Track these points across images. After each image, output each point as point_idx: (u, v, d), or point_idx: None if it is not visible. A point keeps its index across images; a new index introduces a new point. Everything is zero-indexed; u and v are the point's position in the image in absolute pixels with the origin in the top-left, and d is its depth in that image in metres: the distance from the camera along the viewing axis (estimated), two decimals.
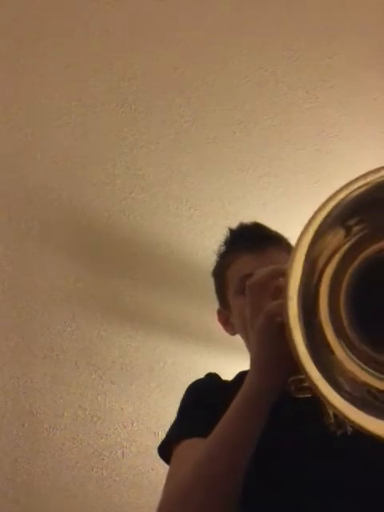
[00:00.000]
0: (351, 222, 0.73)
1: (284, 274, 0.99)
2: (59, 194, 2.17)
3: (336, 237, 0.74)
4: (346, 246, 0.74)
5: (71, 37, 1.93)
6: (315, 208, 0.70)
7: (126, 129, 2.08)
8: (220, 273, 1.33)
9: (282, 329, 0.88)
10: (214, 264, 1.37)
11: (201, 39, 1.96)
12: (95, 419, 2.55)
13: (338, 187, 0.70)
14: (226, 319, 1.31)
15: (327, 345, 0.74)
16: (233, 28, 1.95)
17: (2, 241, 2.24)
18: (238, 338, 1.27)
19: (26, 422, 2.52)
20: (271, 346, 0.90)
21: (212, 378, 1.27)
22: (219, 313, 1.35)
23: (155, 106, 2.05)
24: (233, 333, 1.30)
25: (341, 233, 0.74)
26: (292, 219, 2.17)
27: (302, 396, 0.91)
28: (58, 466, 2.62)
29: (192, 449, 1.04)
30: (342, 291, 0.75)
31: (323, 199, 0.69)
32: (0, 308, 2.33)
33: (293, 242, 1.32)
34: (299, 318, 0.69)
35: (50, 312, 2.35)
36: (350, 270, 0.75)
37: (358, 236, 0.75)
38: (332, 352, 0.73)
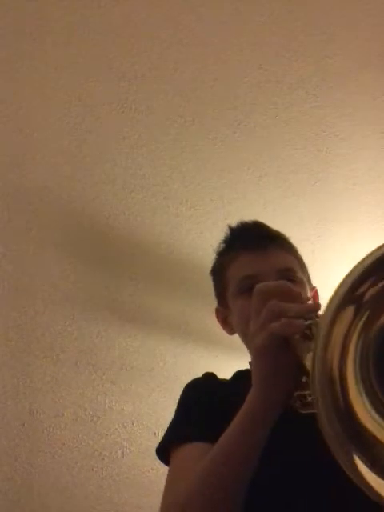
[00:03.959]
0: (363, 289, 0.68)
1: (292, 294, 0.95)
2: (59, 193, 2.17)
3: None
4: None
5: (71, 37, 1.93)
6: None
7: (126, 129, 2.08)
8: (219, 272, 1.31)
9: (284, 344, 0.88)
10: (213, 262, 1.35)
11: (201, 39, 1.96)
12: (95, 419, 2.55)
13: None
14: (225, 318, 1.30)
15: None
16: (233, 28, 1.95)
17: (1, 241, 2.24)
18: (238, 337, 1.27)
19: (25, 422, 2.52)
20: (272, 361, 0.89)
21: (209, 377, 1.27)
22: (217, 311, 1.33)
23: (155, 105, 2.05)
24: (231, 332, 1.29)
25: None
26: (292, 219, 2.17)
27: (307, 412, 0.89)
28: (58, 466, 2.62)
29: (192, 455, 1.04)
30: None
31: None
32: (0, 308, 2.33)
33: (293, 241, 1.33)
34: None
35: (50, 312, 2.35)
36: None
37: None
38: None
